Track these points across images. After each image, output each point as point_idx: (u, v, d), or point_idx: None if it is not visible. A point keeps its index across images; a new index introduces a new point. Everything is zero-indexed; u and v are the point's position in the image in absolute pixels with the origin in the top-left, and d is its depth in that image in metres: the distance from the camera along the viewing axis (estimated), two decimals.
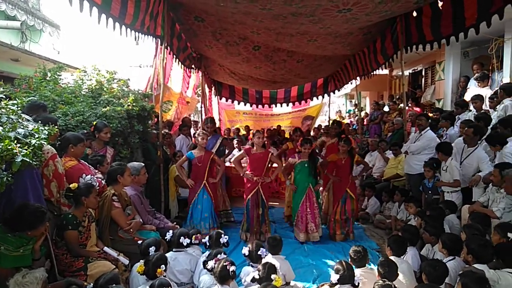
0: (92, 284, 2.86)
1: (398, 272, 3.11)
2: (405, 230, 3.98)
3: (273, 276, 2.96)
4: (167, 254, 3.66)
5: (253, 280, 3.06)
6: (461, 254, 3.37)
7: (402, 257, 3.55)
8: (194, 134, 6.97)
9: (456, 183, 4.66)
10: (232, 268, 3.01)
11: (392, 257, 3.42)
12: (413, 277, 3.41)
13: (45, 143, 2.93)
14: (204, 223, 5.28)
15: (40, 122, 3.18)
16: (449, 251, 3.39)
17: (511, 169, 3.77)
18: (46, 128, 3.03)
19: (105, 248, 3.49)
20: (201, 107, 9.92)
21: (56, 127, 3.25)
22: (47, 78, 5.34)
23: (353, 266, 3.20)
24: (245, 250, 3.56)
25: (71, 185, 3.30)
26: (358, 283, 3.00)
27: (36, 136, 2.84)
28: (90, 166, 3.87)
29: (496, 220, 3.78)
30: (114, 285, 2.69)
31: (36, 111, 3.64)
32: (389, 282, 2.77)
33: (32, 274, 2.47)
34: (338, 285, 3.00)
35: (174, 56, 6.43)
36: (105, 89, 5.56)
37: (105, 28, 3.83)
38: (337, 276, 2.99)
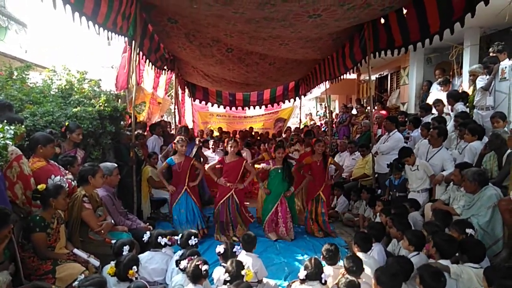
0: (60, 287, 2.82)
1: (365, 266, 3.25)
2: (371, 227, 4.14)
3: (243, 272, 3.02)
4: (144, 254, 3.66)
5: (225, 282, 3.07)
6: (423, 249, 3.56)
7: (368, 253, 3.69)
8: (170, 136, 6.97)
9: (434, 178, 4.88)
10: (204, 267, 3.02)
11: (359, 253, 3.55)
12: None
13: (10, 143, 2.85)
14: (191, 225, 5.30)
15: (5, 122, 3.09)
16: (415, 247, 3.52)
17: (469, 169, 4.01)
18: (12, 127, 2.96)
19: (75, 250, 3.42)
20: (175, 108, 9.87)
21: (22, 126, 3.18)
22: (14, 77, 5.18)
23: (323, 264, 3.31)
24: (220, 249, 3.59)
25: (38, 186, 3.22)
26: (325, 281, 3.11)
27: (1, 135, 2.77)
28: (60, 167, 3.80)
29: (457, 216, 4.02)
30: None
31: (1, 110, 3.54)
32: (352, 278, 2.88)
33: None
34: (307, 281, 3.10)
35: (144, 56, 6.39)
36: (75, 89, 5.45)
37: (76, 28, 3.85)
38: (305, 273, 3.08)
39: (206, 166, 5.82)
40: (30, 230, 3.14)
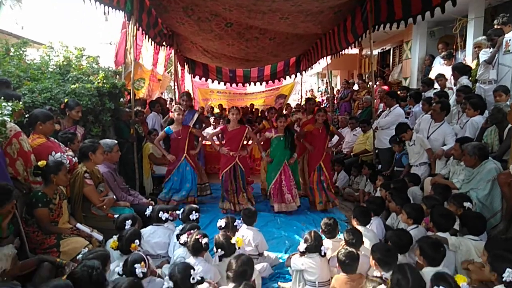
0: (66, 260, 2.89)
1: (365, 239, 3.30)
2: (370, 202, 4.17)
3: (233, 240, 3.11)
4: (147, 228, 3.72)
5: (220, 258, 3.15)
6: (422, 222, 3.61)
7: (367, 226, 3.74)
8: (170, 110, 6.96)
9: (430, 151, 4.91)
10: (204, 240, 3.07)
11: (358, 227, 3.59)
12: None
13: (8, 119, 2.85)
14: (185, 192, 5.42)
15: (2, 98, 3.07)
16: (414, 220, 3.56)
17: (470, 143, 4.00)
18: (10, 104, 2.94)
19: (78, 225, 3.49)
20: (174, 85, 9.79)
21: (20, 103, 3.16)
22: (11, 54, 5.12)
23: (323, 237, 3.36)
24: (221, 223, 3.64)
25: (39, 163, 3.25)
26: (325, 253, 3.17)
27: None
28: (60, 143, 3.81)
29: (456, 190, 4.05)
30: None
31: None
32: (351, 249, 2.94)
33: (0, 251, 2.45)
34: (307, 254, 3.17)
35: (144, 32, 6.28)
36: (73, 65, 5.40)
37: (73, 3, 3.76)
38: (305, 245, 3.14)
39: (205, 133, 5.82)
40: (33, 206, 3.18)
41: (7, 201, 2.64)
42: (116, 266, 2.97)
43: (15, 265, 2.53)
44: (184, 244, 3.19)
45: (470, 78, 5.87)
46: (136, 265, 2.60)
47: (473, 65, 6.20)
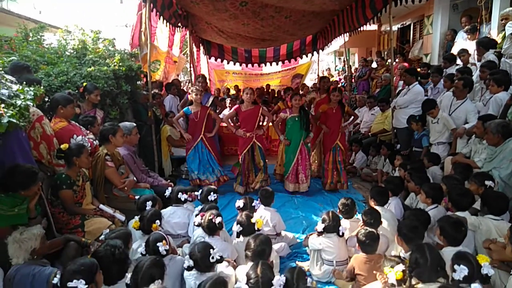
0: (90, 240, 3.00)
1: (382, 220, 3.29)
2: (388, 182, 4.12)
3: (253, 220, 3.16)
4: (167, 209, 3.81)
5: (238, 235, 3.22)
6: (442, 202, 3.56)
7: (385, 206, 3.72)
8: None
9: (455, 131, 4.79)
10: (218, 219, 3.13)
11: (376, 207, 3.58)
12: (396, 224, 3.59)
13: (31, 103, 2.90)
14: (209, 174, 5.45)
15: (24, 83, 3.12)
16: (432, 200, 3.54)
17: (493, 121, 3.88)
18: (32, 88, 3.00)
19: (101, 206, 3.60)
20: (190, 67, 9.77)
21: (41, 87, 3.22)
22: (29, 39, 5.19)
23: (340, 217, 3.37)
24: (239, 203, 3.70)
25: (61, 146, 3.33)
26: (343, 233, 3.18)
27: (22, 96, 2.80)
28: (81, 127, 3.89)
29: (478, 169, 3.95)
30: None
31: (19, 72, 3.57)
32: (372, 229, 2.94)
33: (30, 230, 2.56)
34: (324, 234, 3.19)
35: (158, 13, 6.24)
36: (89, 49, 5.43)
37: None
38: (323, 225, 3.16)
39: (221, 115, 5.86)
40: (57, 188, 3.29)
41: (32, 183, 2.74)
42: (138, 246, 3.07)
43: (43, 244, 2.64)
44: (199, 226, 3.25)
45: (495, 53, 5.62)
46: (158, 244, 2.68)
47: (498, 39, 5.93)
